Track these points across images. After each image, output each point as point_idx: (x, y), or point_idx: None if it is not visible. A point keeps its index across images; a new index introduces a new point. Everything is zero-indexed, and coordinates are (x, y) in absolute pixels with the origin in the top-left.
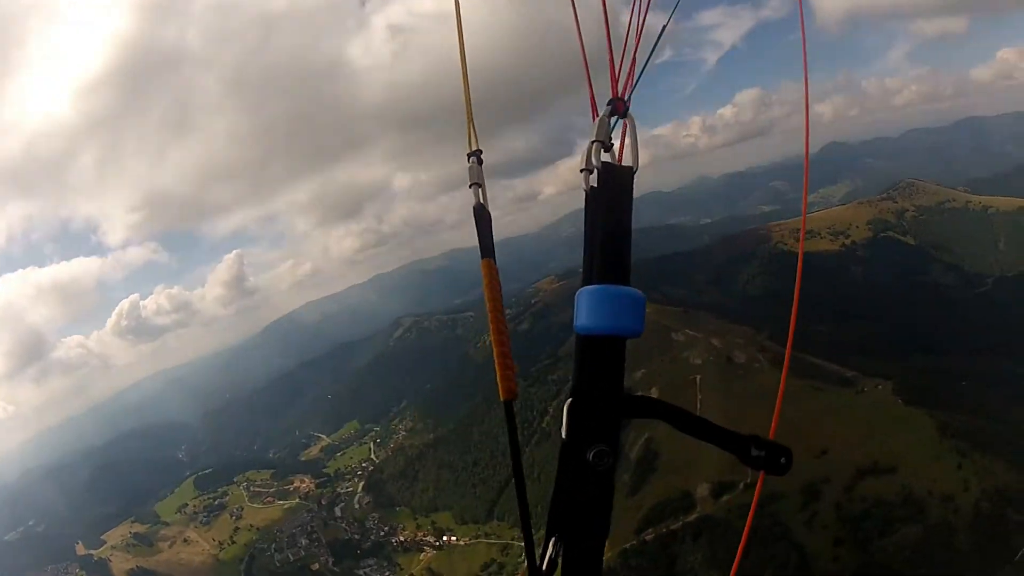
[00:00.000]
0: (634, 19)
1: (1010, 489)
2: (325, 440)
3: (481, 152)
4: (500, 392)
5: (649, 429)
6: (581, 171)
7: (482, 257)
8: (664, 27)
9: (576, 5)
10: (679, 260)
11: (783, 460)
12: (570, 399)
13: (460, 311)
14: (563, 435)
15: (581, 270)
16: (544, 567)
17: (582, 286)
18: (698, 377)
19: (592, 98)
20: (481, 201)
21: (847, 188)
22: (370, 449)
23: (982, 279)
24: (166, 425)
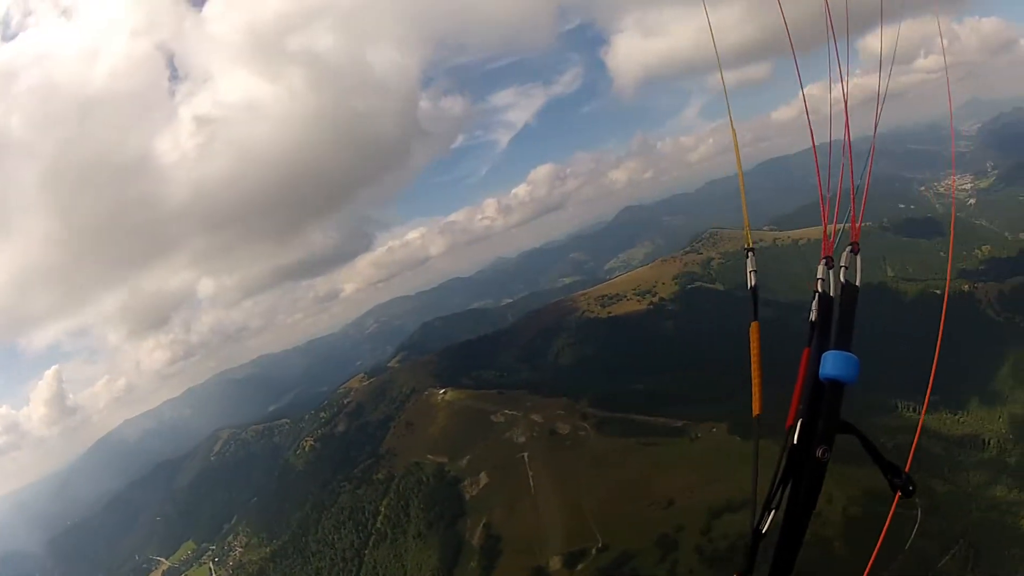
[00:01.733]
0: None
1: (876, 488)
2: (165, 563)
3: (753, 249)
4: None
5: (485, 515)
6: (818, 280)
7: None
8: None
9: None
10: (486, 343)
11: (911, 488)
12: (801, 420)
13: (275, 419)
14: (794, 440)
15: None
16: (763, 531)
17: (823, 349)
18: (525, 455)
19: (824, 224)
20: (754, 284)
21: (647, 249)
22: (210, 570)
23: (803, 306)
24: (16, 555)
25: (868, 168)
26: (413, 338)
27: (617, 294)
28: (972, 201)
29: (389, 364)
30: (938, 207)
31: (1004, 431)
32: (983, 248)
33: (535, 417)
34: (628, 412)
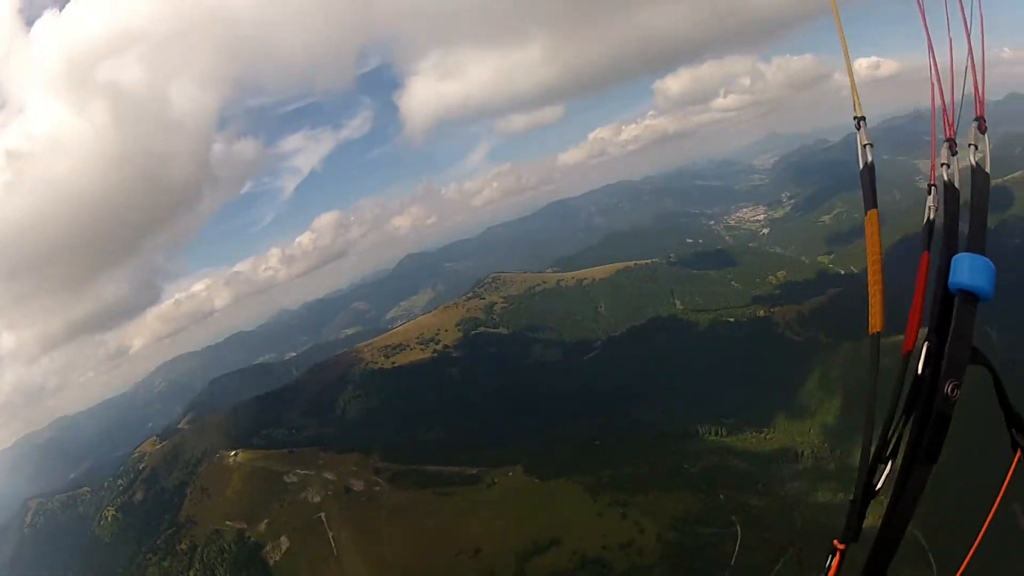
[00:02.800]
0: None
1: (692, 511)
2: None
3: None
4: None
5: None
6: (941, 165)
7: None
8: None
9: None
10: (273, 400)
11: None
12: (927, 342)
13: (77, 486)
14: (919, 371)
15: (924, 236)
16: (877, 488)
17: (954, 252)
18: (323, 515)
19: (935, 101)
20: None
21: (429, 296)
22: None
23: (589, 345)
24: None
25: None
26: (201, 396)
27: (401, 343)
28: (765, 231)
29: (179, 425)
30: (728, 239)
31: (818, 441)
32: (778, 274)
33: (328, 475)
34: (421, 463)
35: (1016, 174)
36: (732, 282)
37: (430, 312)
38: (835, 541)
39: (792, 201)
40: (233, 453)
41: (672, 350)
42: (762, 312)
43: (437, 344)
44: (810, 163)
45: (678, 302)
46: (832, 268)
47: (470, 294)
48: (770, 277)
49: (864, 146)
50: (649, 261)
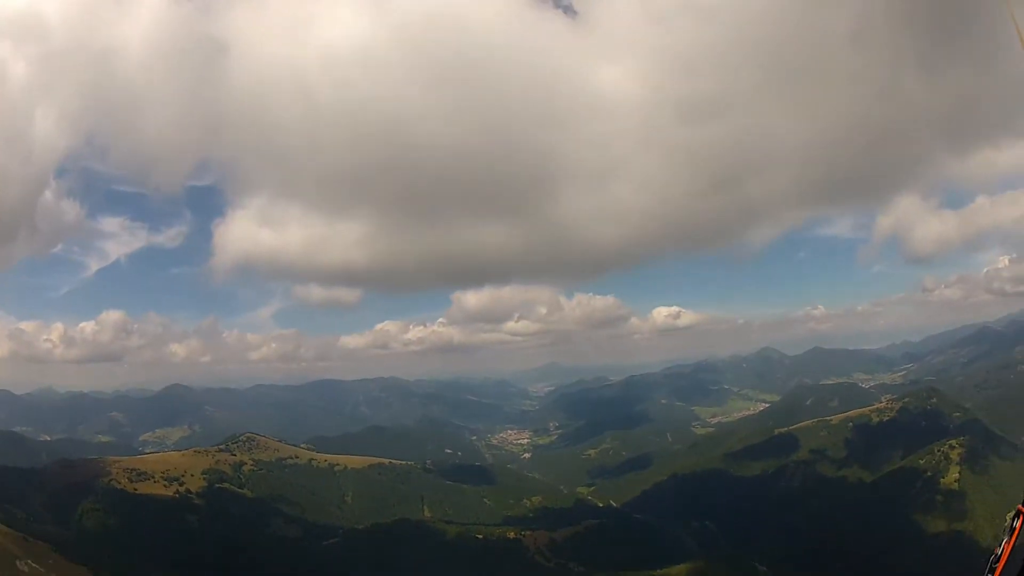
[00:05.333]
0: None
1: None
2: None
3: None
4: None
5: None
6: None
7: None
8: None
9: None
10: (19, 475)
11: None
12: None
13: None
14: None
15: None
16: None
17: None
18: None
19: None
20: None
21: (185, 433)
22: None
23: (331, 531)
24: None
25: None
26: None
27: (147, 472)
28: (527, 455)
29: None
30: (487, 457)
31: None
32: (534, 499)
33: None
34: None
35: (804, 423)
36: (485, 499)
37: (180, 451)
38: (1020, 506)
39: (560, 431)
40: None
41: (415, 554)
42: (512, 534)
43: (181, 486)
44: (585, 398)
45: (427, 509)
46: (591, 499)
47: (223, 446)
48: (525, 500)
49: None
50: (405, 462)
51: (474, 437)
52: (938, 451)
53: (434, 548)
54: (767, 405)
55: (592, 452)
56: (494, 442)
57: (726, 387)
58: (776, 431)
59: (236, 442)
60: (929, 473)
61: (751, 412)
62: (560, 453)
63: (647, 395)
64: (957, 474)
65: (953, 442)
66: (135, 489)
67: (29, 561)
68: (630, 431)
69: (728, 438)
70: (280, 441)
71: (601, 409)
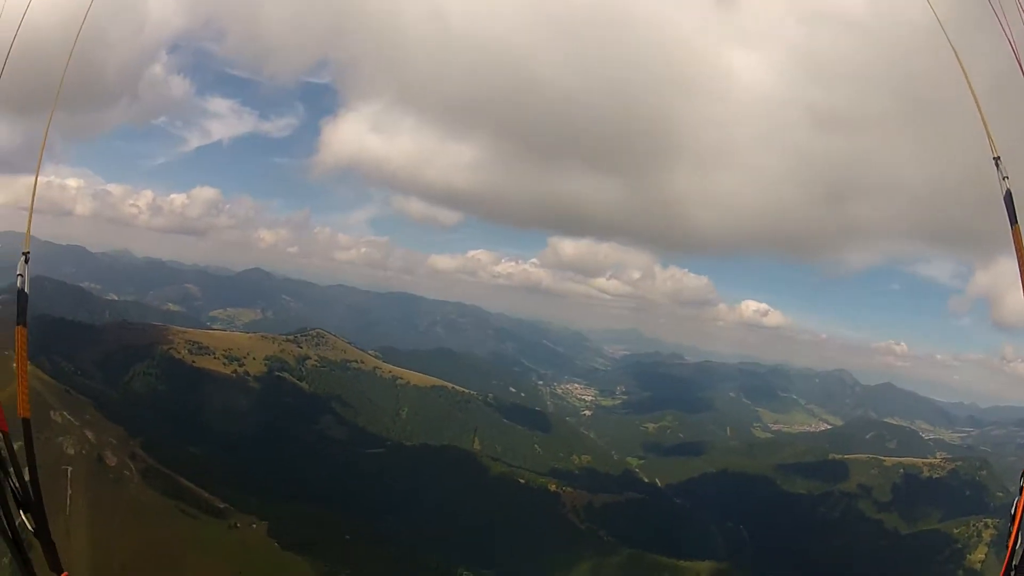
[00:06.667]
0: None
1: None
2: None
3: None
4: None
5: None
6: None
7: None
8: None
9: None
10: (76, 329)
11: None
12: None
13: None
14: None
15: None
16: None
17: None
18: (69, 469)
19: None
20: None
21: (256, 316)
22: None
23: (378, 441)
24: None
25: None
26: (13, 286)
27: (209, 347)
28: (587, 412)
29: None
30: (549, 405)
31: None
32: (583, 457)
33: (89, 434)
34: (178, 472)
35: (859, 455)
36: (536, 445)
37: (247, 333)
38: None
39: (625, 397)
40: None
41: (453, 482)
42: (553, 486)
43: (240, 366)
44: (656, 371)
45: (478, 441)
46: (638, 472)
47: (291, 336)
48: (575, 456)
49: (18, 276)
50: (467, 391)
51: (540, 383)
52: (973, 525)
53: (474, 481)
54: (828, 426)
55: (651, 426)
56: (559, 391)
57: (794, 397)
58: (830, 455)
59: (305, 335)
60: (959, 544)
61: (811, 429)
62: (620, 419)
63: (717, 384)
64: (983, 555)
65: (989, 521)
66: (193, 361)
67: (64, 413)
68: (692, 415)
69: (783, 449)
70: (349, 343)
71: (670, 385)
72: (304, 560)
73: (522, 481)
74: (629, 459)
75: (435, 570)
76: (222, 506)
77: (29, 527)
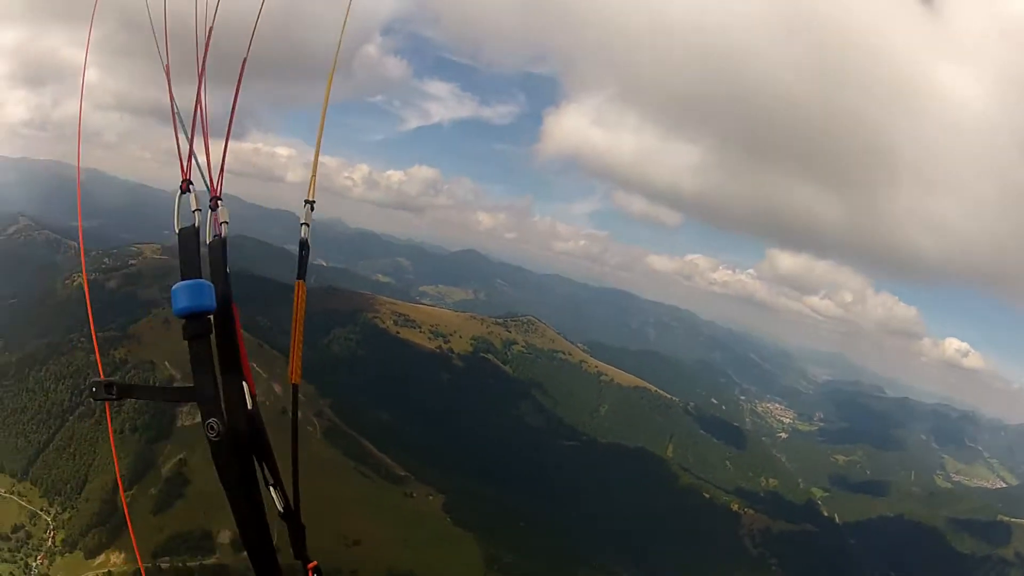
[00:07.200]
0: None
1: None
2: None
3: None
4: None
5: (185, 451)
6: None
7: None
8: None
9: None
10: (276, 288)
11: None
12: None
13: (69, 236)
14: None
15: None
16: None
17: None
18: None
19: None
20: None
21: (467, 296)
22: None
23: (573, 434)
24: None
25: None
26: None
27: (415, 320)
28: (783, 435)
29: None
30: (747, 421)
31: None
32: (771, 480)
33: (276, 387)
34: (362, 434)
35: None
36: (728, 461)
37: (457, 312)
38: None
39: (822, 424)
40: None
41: (641, 487)
42: (736, 506)
43: (445, 343)
44: (856, 401)
45: (671, 448)
46: (820, 505)
47: (501, 320)
48: (762, 479)
49: (303, 225)
50: (669, 396)
51: (743, 397)
52: None
53: (661, 488)
54: (1003, 485)
55: (841, 458)
56: (759, 410)
57: (979, 449)
58: (999, 517)
59: (516, 321)
60: None
61: (988, 485)
62: (813, 446)
63: (911, 423)
64: None
65: None
66: (398, 332)
67: (255, 365)
68: (882, 452)
69: (959, 502)
70: (559, 333)
71: (866, 418)
72: (472, 538)
73: (707, 496)
74: (814, 489)
75: (599, 570)
76: (402, 474)
77: (278, 506)
